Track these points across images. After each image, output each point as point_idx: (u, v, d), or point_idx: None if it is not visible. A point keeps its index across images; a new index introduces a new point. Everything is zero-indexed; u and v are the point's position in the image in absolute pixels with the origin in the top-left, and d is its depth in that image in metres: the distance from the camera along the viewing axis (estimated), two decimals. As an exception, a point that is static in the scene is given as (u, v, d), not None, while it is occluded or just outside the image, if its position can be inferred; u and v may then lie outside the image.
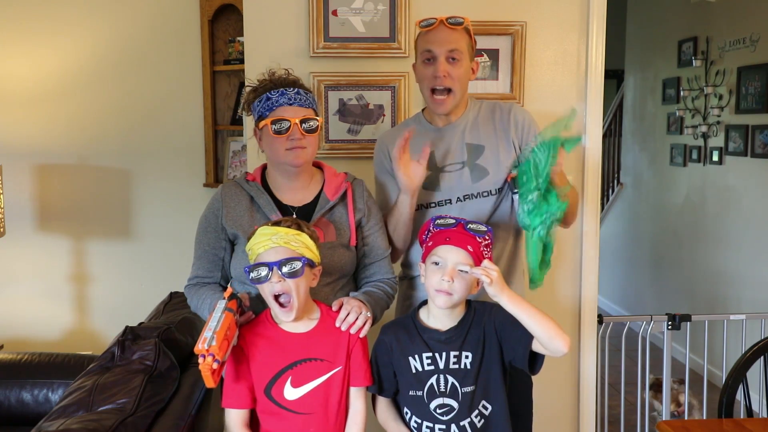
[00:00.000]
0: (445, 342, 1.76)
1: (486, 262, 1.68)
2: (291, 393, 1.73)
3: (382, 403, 1.84)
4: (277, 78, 1.93)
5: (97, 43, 3.76)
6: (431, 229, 1.76)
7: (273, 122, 1.86)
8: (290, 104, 1.88)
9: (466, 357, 1.75)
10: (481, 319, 1.77)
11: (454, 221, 1.74)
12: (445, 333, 1.76)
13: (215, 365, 1.58)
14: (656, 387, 3.34)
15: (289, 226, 1.73)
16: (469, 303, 1.79)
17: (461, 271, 1.69)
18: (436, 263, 1.71)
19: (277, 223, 1.75)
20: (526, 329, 1.68)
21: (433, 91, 2.03)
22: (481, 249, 1.71)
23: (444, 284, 1.68)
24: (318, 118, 1.92)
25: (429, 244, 1.74)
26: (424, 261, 1.77)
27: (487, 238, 1.73)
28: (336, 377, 1.76)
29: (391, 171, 2.09)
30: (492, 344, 1.76)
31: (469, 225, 1.73)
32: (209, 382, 1.58)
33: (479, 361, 1.75)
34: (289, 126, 1.85)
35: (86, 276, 3.87)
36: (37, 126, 3.78)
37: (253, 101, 1.93)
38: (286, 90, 1.89)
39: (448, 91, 2.03)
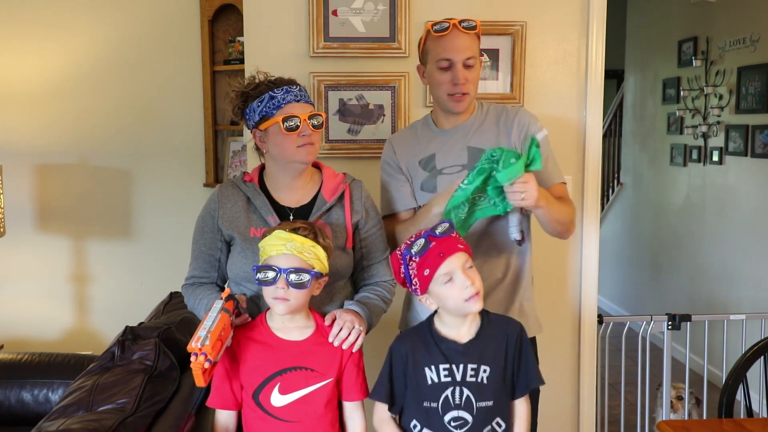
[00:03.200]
0: (463, 353, 1.71)
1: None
2: (278, 400, 1.72)
3: (381, 408, 1.78)
4: (274, 78, 1.90)
5: (97, 43, 3.76)
6: (410, 259, 1.69)
7: (284, 120, 1.82)
8: (297, 101, 1.86)
9: (484, 371, 1.71)
10: (503, 334, 1.75)
11: (423, 239, 1.68)
12: (464, 344, 1.72)
13: (207, 365, 1.58)
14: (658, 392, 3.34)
15: (306, 235, 1.70)
16: (483, 314, 1.76)
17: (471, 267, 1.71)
18: (449, 279, 1.67)
19: (295, 229, 1.71)
20: (535, 375, 1.77)
21: (450, 94, 2.03)
22: (459, 240, 1.72)
23: (471, 290, 1.66)
24: (322, 113, 1.91)
25: (425, 273, 1.67)
26: (425, 292, 1.71)
27: (453, 230, 1.73)
28: (325, 389, 1.74)
29: (396, 170, 2.09)
30: (511, 363, 1.75)
31: (437, 231, 1.70)
32: (199, 381, 1.59)
33: (497, 377, 1.72)
34: (299, 122, 1.83)
35: (86, 276, 3.87)
36: (38, 126, 3.78)
37: (248, 104, 1.88)
38: (290, 88, 1.87)
39: (464, 93, 2.03)
